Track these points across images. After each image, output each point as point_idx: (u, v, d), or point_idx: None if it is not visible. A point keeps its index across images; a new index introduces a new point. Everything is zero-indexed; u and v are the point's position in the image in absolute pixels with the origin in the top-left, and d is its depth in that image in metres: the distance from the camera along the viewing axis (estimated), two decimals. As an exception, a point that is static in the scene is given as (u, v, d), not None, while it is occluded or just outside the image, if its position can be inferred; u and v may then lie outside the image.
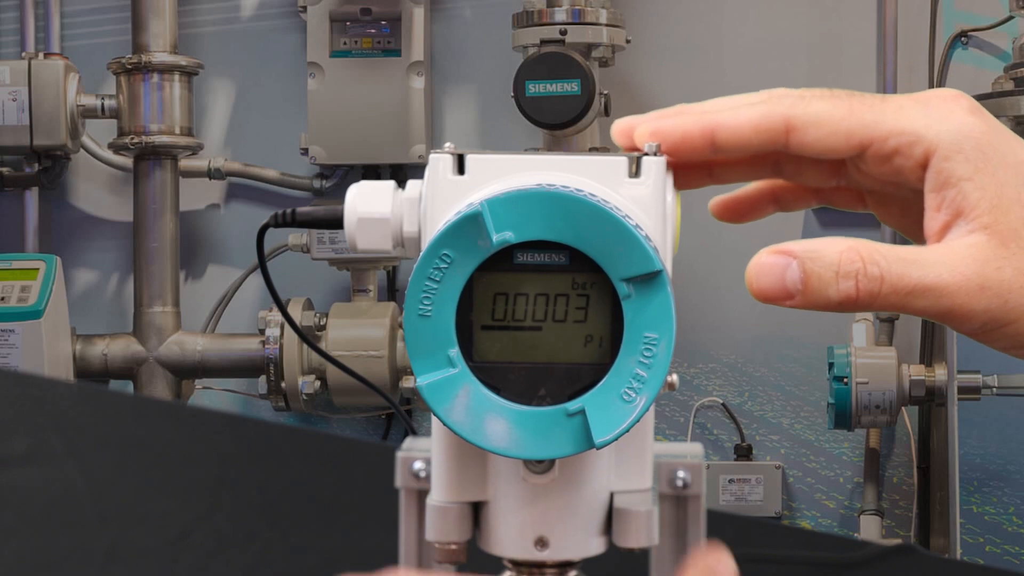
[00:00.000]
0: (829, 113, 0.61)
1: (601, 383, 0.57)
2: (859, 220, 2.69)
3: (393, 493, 0.64)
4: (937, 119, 0.61)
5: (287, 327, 2.84)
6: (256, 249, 0.72)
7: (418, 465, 0.64)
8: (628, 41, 2.92)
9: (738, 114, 0.62)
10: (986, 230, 0.59)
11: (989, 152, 0.60)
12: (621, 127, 0.63)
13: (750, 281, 0.60)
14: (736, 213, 0.70)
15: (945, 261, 0.59)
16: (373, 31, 3.05)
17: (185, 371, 2.98)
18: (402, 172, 3.10)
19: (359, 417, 3.20)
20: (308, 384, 2.85)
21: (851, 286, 0.59)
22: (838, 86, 0.63)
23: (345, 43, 3.05)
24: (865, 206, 0.68)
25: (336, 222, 0.64)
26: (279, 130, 3.18)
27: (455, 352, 0.57)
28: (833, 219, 3.01)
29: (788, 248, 0.60)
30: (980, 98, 2.52)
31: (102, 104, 2.97)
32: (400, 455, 0.64)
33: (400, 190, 0.62)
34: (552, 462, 0.60)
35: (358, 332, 2.84)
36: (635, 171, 0.59)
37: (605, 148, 2.89)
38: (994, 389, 2.79)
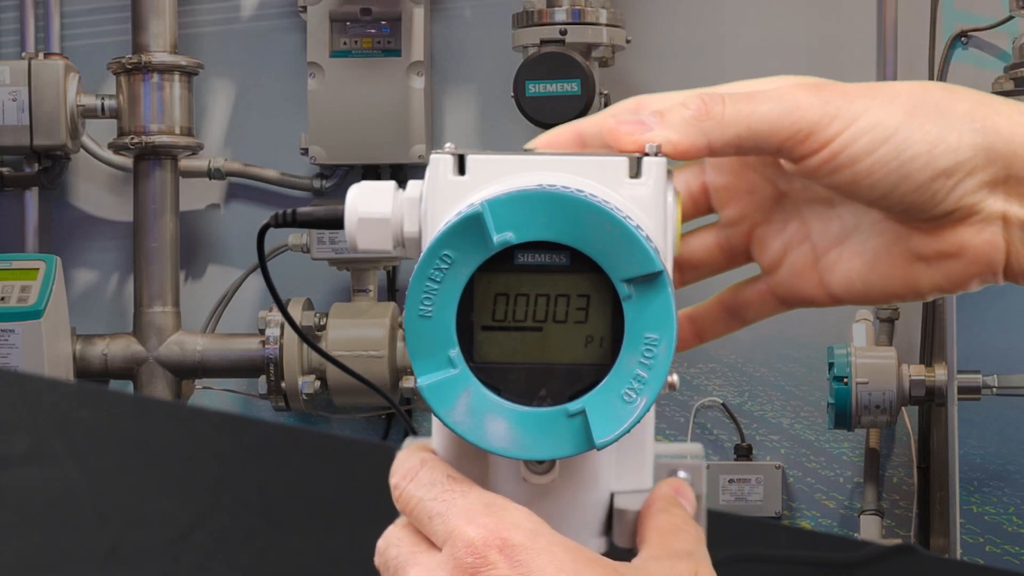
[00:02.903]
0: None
1: (602, 384, 0.57)
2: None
3: (393, 493, 0.64)
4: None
5: (287, 327, 2.84)
6: (256, 249, 0.72)
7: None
8: (628, 41, 2.92)
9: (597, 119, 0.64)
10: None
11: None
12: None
13: (610, 129, 0.62)
14: (696, 335, 0.73)
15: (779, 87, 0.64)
16: (373, 31, 3.05)
17: (185, 371, 2.97)
18: (402, 172, 3.10)
19: (359, 417, 3.20)
20: (308, 384, 2.84)
21: (698, 103, 0.62)
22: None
23: (345, 43, 3.05)
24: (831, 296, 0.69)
25: (336, 222, 0.64)
26: (279, 130, 3.18)
27: (456, 353, 0.57)
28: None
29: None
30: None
31: (102, 104, 2.97)
32: (401, 455, 0.64)
33: (401, 190, 0.62)
34: (553, 462, 0.60)
35: (358, 332, 2.84)
36: (635, 171, 0.59)
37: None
38: (994, 389, 2.79)
